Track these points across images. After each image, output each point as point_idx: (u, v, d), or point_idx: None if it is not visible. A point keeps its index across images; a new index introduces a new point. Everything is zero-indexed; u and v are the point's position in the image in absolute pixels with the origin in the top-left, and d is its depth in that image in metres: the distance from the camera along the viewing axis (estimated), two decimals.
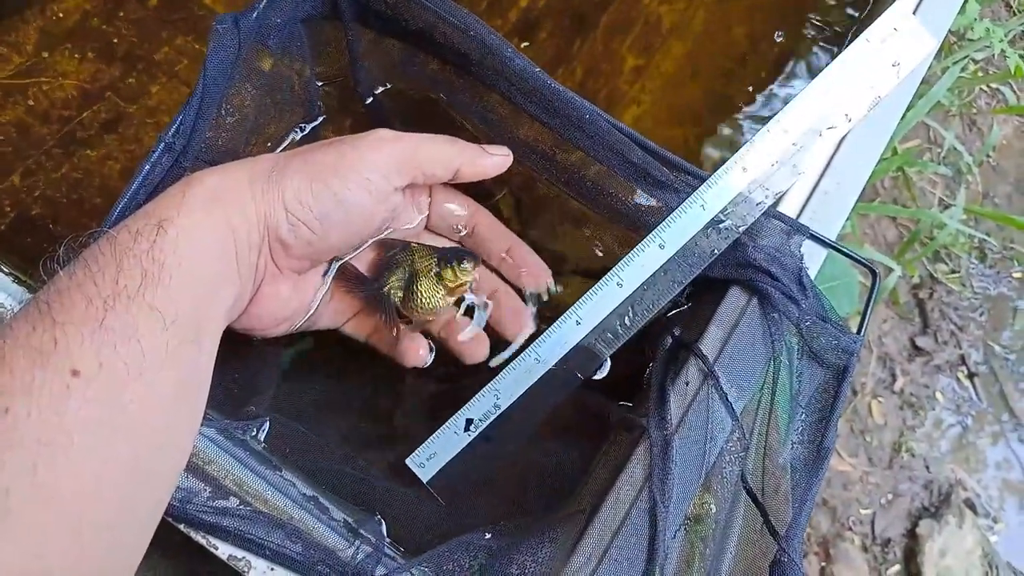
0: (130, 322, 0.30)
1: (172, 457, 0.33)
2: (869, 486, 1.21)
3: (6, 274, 0.42)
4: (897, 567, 1.16)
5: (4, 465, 0.26)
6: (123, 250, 0.32)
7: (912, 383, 1.27)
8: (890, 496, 1.21)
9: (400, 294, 0.44)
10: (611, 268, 0.44)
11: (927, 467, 1.24)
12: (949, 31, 1.21)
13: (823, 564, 1.14)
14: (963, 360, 1.30)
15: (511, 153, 0.45)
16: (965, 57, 1.09)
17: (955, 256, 1.32)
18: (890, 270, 1.13)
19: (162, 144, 0.38)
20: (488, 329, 0.47)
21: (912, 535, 1.18)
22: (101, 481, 0.29)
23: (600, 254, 0.51)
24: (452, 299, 0.44)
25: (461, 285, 0.44)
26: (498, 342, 0.47)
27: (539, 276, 0.47)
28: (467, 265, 0.43)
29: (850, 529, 1.18)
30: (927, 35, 0.45)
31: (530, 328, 0.47)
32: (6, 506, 0.26)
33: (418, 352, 0.45)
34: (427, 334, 0.47)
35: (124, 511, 0.30)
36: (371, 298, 0.44)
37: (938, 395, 1.28)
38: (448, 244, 0.48)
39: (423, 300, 0.44)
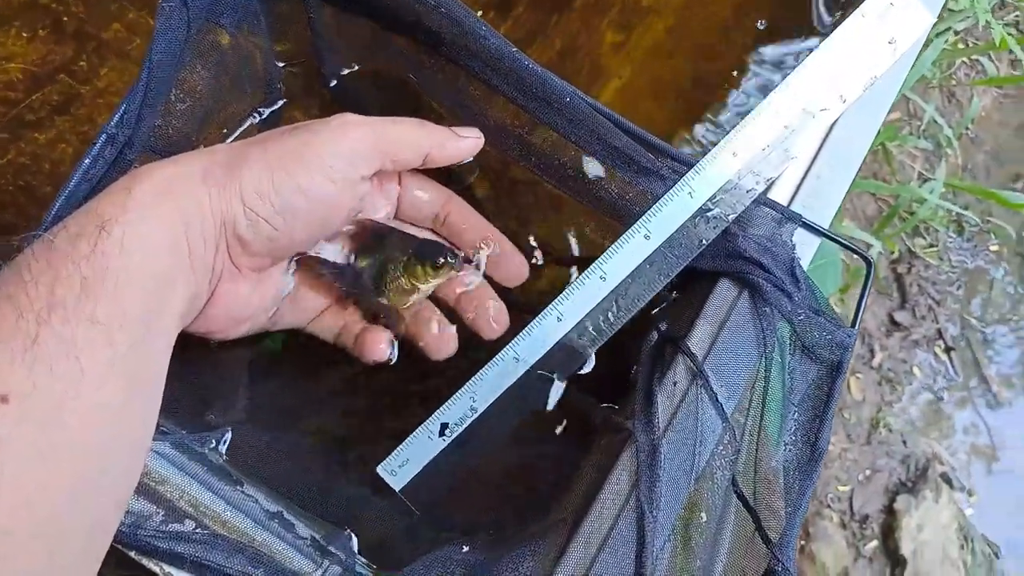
0: (67, 337, 0.28)
1: (120, 476, 0.30)
2: (847, 463, 1.21)
3: None
4: (875, 543, 1.17)
5: None
6: (60, 255, 0.29)
7: (890, 358, 1.27)
8: (868, 472, 1.21)
9: (371, 282, 0.41)
10: (592, 258, 0.41)
11: (904, 442, 1.24)
12: None
13: (802, 542, 1.14)
14: (940, 334, 1.30)
15: (483, 136, 0.42)
16: (948, 28, 1.07)
17: (933, 230, 1.31)
18: (869, 246, 1.12)
19: (104, 135, 0.35)
20: (461, 327, 0.44)
21: (890, 511, 1.19)
22: (33, 511, 0.26)
23: (579, 243, 0.49)
24: (420, 296, 0.42)
25: (431, 283, 0.41)
26: (469, 339, 0.44)
27: (516, 269, 0.44)
28: (441, 265, 0.40)
29: (829, 507, 1.18)
30: (924, 10, 0.43)
31: (504, 330, 0.44)
32: None
33: (379, 346, 0.42)
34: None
35: (62, 542, 0.27)
36: (342, 283, 0.41)
37: (915, 370, 1.28)
38: (426, 234, 0.45)
39: (393, 289, 0.41)
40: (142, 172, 0.33)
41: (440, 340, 0.43)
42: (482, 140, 0.42)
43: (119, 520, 0.31)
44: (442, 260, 0.40)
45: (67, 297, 0.28)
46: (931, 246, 1.31)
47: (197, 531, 0.33)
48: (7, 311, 0.27)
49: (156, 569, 0.33)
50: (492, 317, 0.44)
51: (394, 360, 0.43)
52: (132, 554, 0.33)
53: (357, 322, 0.43)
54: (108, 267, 0.30)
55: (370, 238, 0.41)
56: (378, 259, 0.41)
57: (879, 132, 1.02)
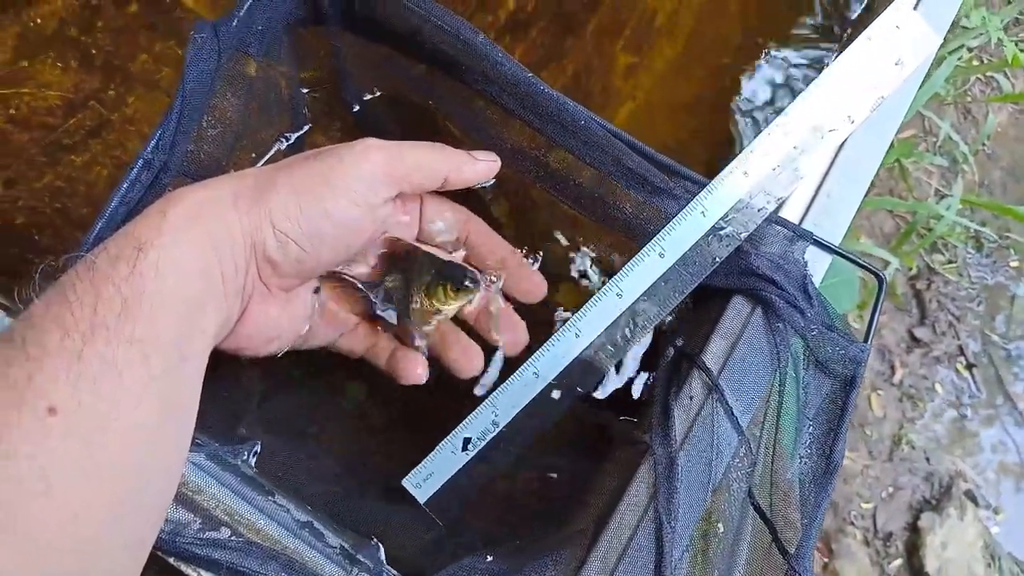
0: (110, 355, 0.29)
1: (158, 491, 0.32)
2: (869, 480, 1.20)
3: None
4: (899, 561, 1.16)
5: None
6: (102, 276, 0.31)
7: (911, 375, 1.27)
8: (891, 489, 1.20)
9: (399, 300, 0.42)
10: (607, 276, 0.42)
11: (927, 459, 1.23)
12: None
13: (825, 560, 1.14)
14: (961, 351, 1.29)
15: (499, 159, 0.43)
16: (961, 46, 1.08)
17: (952, 246, 1.31)
18: (887, 263, 1.12)
19: (141, 161, 0.37)
20: (482, 341, 0.45)
21: (914, 528, 1.18)
22: (80, 524, 0.27)
23: (597, 261, 0.50)
24: (442, 317, 0.43)
25: (455, 306, 0.42)
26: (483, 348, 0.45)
27: (535, 288, 0.46)
28: (462, 288, 0.41)
29: (852, 524, 1.17)
30: (931, 32, 0.44)
31: (525, 342, 0.45)
32: None
33: (416, 371, 0.43)
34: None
35: (105, 552, 0.29)
36: (372, 302, 0.43)
37: (937, 386, 1.27)
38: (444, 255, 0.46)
39: (414, 314, 0.42)
40: (175, 196, 0.35)
41: (466, 359, 0.44)
42: (498, 163, 0.43)
43: (155, 537, 0.32)
44: (463, 283, 0.41)
45: (108, 317, 0.30)
46: (950, 262, 1.31)
47: (232, 539, 0.35)
48: (53, 329, 0.29)
49: (194, 575, 0.34)
50: (515, 336, 0.45)
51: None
52: (171, 560, 0.34)
53: (388, 341, 0.44)
54: (145, 289, 0.31)
55: (398, 258, 0.43)
56: (404, 280, 0.42)
57: (894, 149, 1.03)
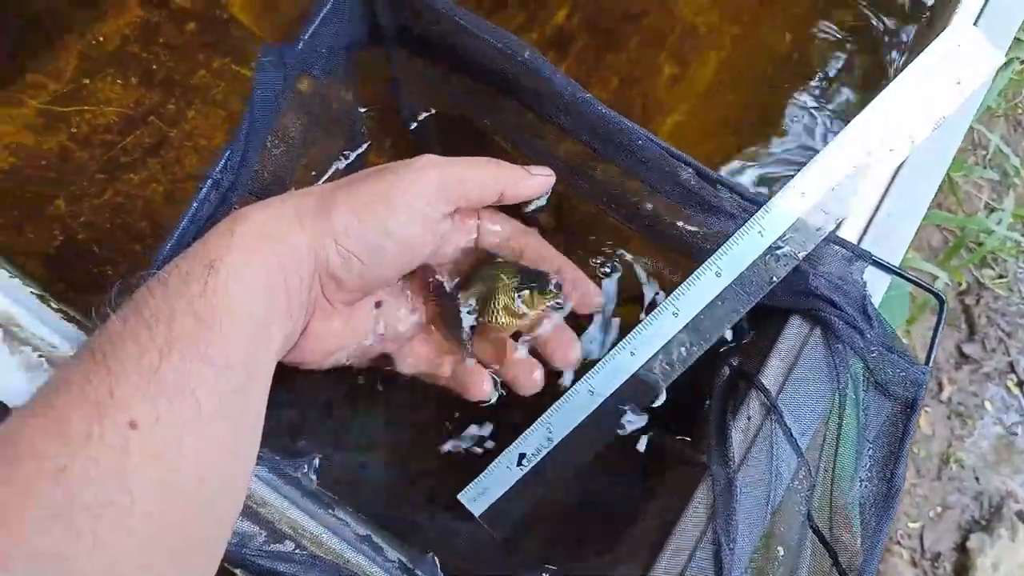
0: (184, 372, 0.30)
1: (228, 505, 0.32)
2: (917, 498, 1.18)
3: (54, 310, 0.42)
4: None
5: (64, 534, 0.25)
6: (174, 294, 0.32)
7: (960, 392, 1.24)
8: (939, 508, 1.18)
9: (478, 307, 0.43)
10: (657, 293, 0.43)
11: (976, 478, 1.20)
12: None
13: None
14: (1012, 367, 1.26)
15: (553, 174, 0.44)
16: (1013, 59, 1.06)
17: (1002, 260, 1.28)
18: (935, 277, 1.10)
19: (209, 181, 0.38)
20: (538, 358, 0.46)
21: (963, 549, 1.15)
22: (158, 537, 0.28)
23: (647, 278, 0.50)
24: (524, 322, 0.43)
25: (537, 311, 0.43)
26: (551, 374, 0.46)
27: (591, 298, 0.46)
28: (549, 292, 0.42)
29: (899, 543, 1.15)
30: (992, 49, 0.43)
31: (579, 357, 0.45)
32: (65, 571, 0.25)
33: (483, 386, 0.43)
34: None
35: (181, 565, 0.29)
36: (445, 307, 0.43)
37: (987, 404, 1.24)
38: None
39: (497, 317, 0.43)
40: (242, 215, 0.36)
41: (527, 376, 0.44)
42: (553, 178, 0.44)
43: (224, 549, 0.33)
44: (551, 287, 0.42)
45: (183, 335, 0.31)
46: (1000, 277, 1.28)
47: (296, 551, 0.35)
48: (131, 346, 0.30)
49: None
50: (568, 350, 0.45)
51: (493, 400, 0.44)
52: (238, 572, 0.35)
53: (445, 359, 0.44)
54: (216, 306, 0.32)
55: (474, 264, 0.43)
56: (485, 286, 0.43)
57: None
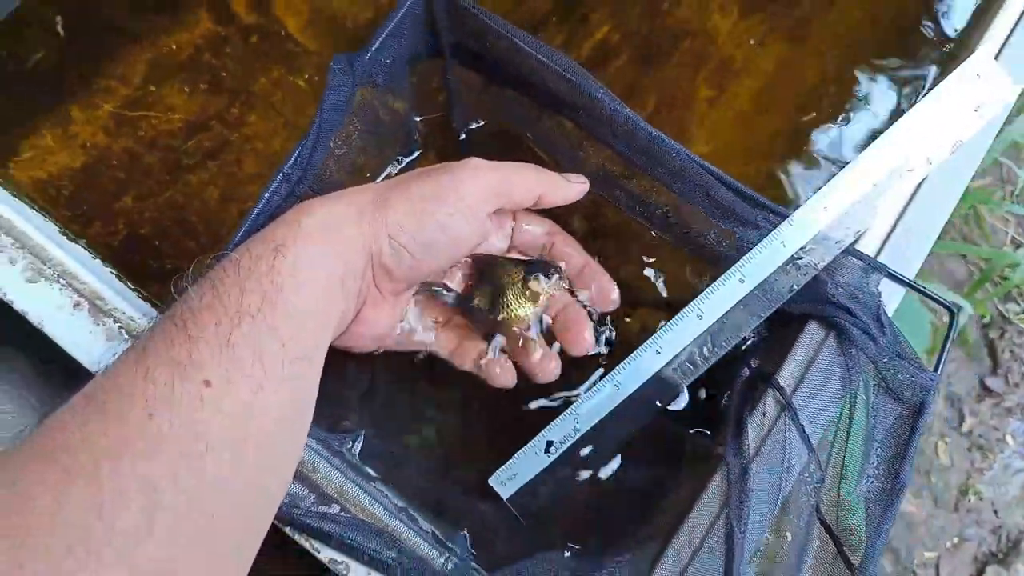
0: (253, 340, 0.33)
1: (284, 469, 0.36)
2: (934, 529, 1.18)
3: (131, 289, 0.46)
4: None
5: (152, 470, 0.29)
6: (245, 273, 0.35)
7: (981, 424, 1.25)
8: (956, 540, 1.18)
9: (489, 307, 0.46)
10: (681, 298, 0.45)
11: (995, 512, 1.20)
12: None
13: None
14: None
15: (587, 181, 0.47)
16: None
17: None
18: (960, 307, 1.11)
19: (280, 174, 0.42)
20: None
21: None
22: (228, 485, 0.31)
23: (670, 284, 0.53)
24: (539, 309, 0.46)
25: (546, 295, 0.46)
26: (569, 368, 0.48)
27: (608, 295, 0.49)
28: (553, 277, 0.45)
29: (914, 573, 1.15)
30: (1010, 81, 0.46)
31: (593, 348, 0.48)
32: (152, 509, 0.28)
33: (507, 376, 0.47)
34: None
35: (244, 512, 0.33)
36: (463, 311, 0.47)
37: (1008, 438, 1.25)
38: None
39: (510, 310, 0.46)
40: (306, 207, 0.39)
41: (544, 364, 0.47)
42: (587, 186, 0.47)
43: (276, 506, 0.36)
44: (553, 273, 0.45)
45: (252, 307, 0.34)
46: None
47: (342, 514, 0.39)
48: (207, 317, 0.33)
49: (306, 545, 0.38)
50: (580, 337, 0.48)
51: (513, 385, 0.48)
52: (287, 530, 0.38)
53: (475, 345, 0.48)
54: (283, 286, 0.35)
55: (482, 268, 0.47)
56: (493, 285, 0.46)
57: (970, 195, 1.02)
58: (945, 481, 1.21)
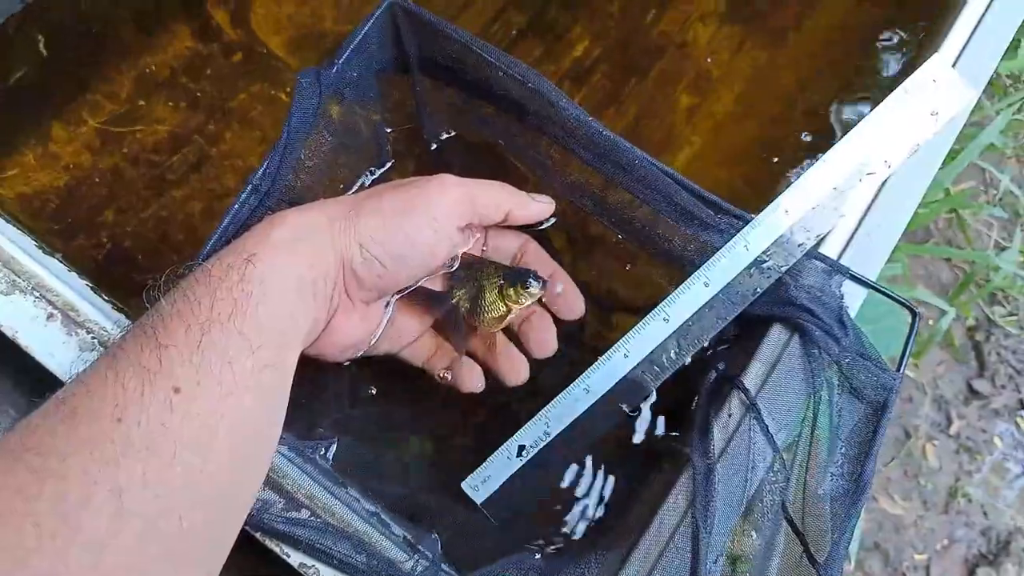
0: (223, 347, 0.34)
1: (255, 470, 0.36)
2: (923, 531, 1.19)
3: (106, 300, 0.47)
4: None
5: (119, 470, 0.30)
6: (216, 282, 0.36)
7: (968, 427, 1.25)
8: (946, 542, 1.19)
9: (467, 306, 0.47)
10: (650, 303, 0.46)
11: (984, 513, 1.21)
12: (1004, 75, 1.21)
13: None
14: (1022, 404, 1.27)
15: (553, 202, 0.48)
16: (1021, 100, 1.09)
17: (1013, 299, 1.30)
18: (943, 312, 1.12)
19: (250, 186, 0.43)
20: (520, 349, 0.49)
21: None
22: (196, 488, 0.32)
23: (647, 291, 0.53)
24: (512, 316, 0.47)
25: (528, 301, 0.46)
26: (540, 366, 0.49)
27: (574, 304, 0.49)
28: (532, 288, 0.46)
29: (904, 575, 1.16)
30: (965, 86, 0.47)
31: (553, 350, 0.49)
32: (119, 508, 0.29)
33: (475, 382, 0.48)
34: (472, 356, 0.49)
35: (213, 517, 0.33)
36: (441, 312, 0.47)
37: (996, 440, 1.25)
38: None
39: (488, 313, 0.46)
40: (278, 218, 0.40)
41: (513, 368, 0.48)
42: (553, 206, 0.49)
43: (247, 513, 0.37)
44: (532, 282, 0.46)
45: (223, 314, 0.35)
46: (1011, 315, 1.30)
47: (311, 519, 0.39)
48: (177, 324, 0.34)
49: (276, 549, 0.39)
50: (544, 339, 0.48)
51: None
52: (257, 535, 0.39)
53: (448, 352, 0.48)
54: (252, 294, 0.36)
55: (463, 269, 0.47)
56: (472, 287, 0.47)
57: (952, 198, 1.03)
58: (934, 483, 1.22)
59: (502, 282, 0.46)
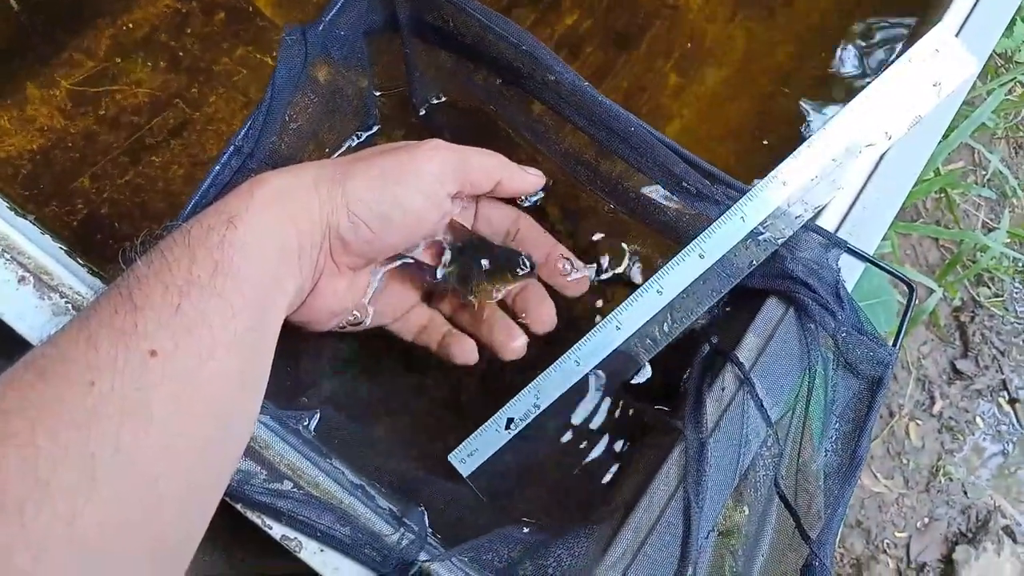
0: (202, 309, 0.33)
1: (236, 438, 0.35)
2: (905, 509, 1.19)
3: (81, 264, 0.45)
4: None
5: (91, 434, 0.28)
6: (197, 242, 0.35)
7: (951, 407, 1.26)
8: (926, 520, 1.19)
9: (459, 282, 0.45)
10: (644, 274, 0.45)
11: (965, 492, 1.22)
12: (997, 54, 1.20)
13: None
14: (1004, 385, 1.28)
15: (544, 176, 0.47)
16: (1012, 80, 1.08)
17: (998, 280, 1.31)
18: (931, 291, 1.12)
19: (232, 147, 0.41)
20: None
21: (948, 561, 1.17)
22: (174, 454, 0.31)
23: (641, 263, 0.52)
24: (500, 296, 0.46)
25: (518, 282, 0.46)
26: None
27: (575, 280, 0.49)
28: (520, 271, 0.45)
29: (885, 552, 1.17)
30: (969, 57, 0.46)
31: (552, 324, 0.48)
32: (92, 472, 0.28)
33: (469, 353, 0.47)
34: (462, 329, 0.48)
35: (192, 484, 0.32)
36: (433, 284, 0.46)
37: (978, 420, 1.26)
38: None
39: (480, 290, 0.45)
40: (261, 179, 0.39)
41: (510, 339, 0.47)
42: (543, 180, 0.48)
43: (230, 477, 0.36)
44: (521, 269, 0.45)
45: (203, 276, 0.33)
46: (996, 296, 1.30)
47: (294, 490, 0.38)
48: (155, 285, 0.33)
49: (257, 521, 0.38)
50: (542, 313, 0.48)
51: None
52: (239, 507, 0.38)
53: (440, 325, 0.47)
54: (233, 256, 0.35)
55: (459, 242, 0.46)
56: (464, 265, 0.45)
57: (941, 178, 1.03)
58: (916, 462, 1.23)
59: (491, 265, 0.45)
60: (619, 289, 0.52)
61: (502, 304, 0.48)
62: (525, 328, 0.47)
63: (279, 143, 0.45)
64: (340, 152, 0.51)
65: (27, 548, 0.26)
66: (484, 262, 0.45)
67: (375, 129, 0.52)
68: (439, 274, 0.45)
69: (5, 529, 0.26)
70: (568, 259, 0.48)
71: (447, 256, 0.45)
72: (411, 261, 0.45)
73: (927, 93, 0.46)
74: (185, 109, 0.60)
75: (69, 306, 0.41)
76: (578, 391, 0.46)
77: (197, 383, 0.32)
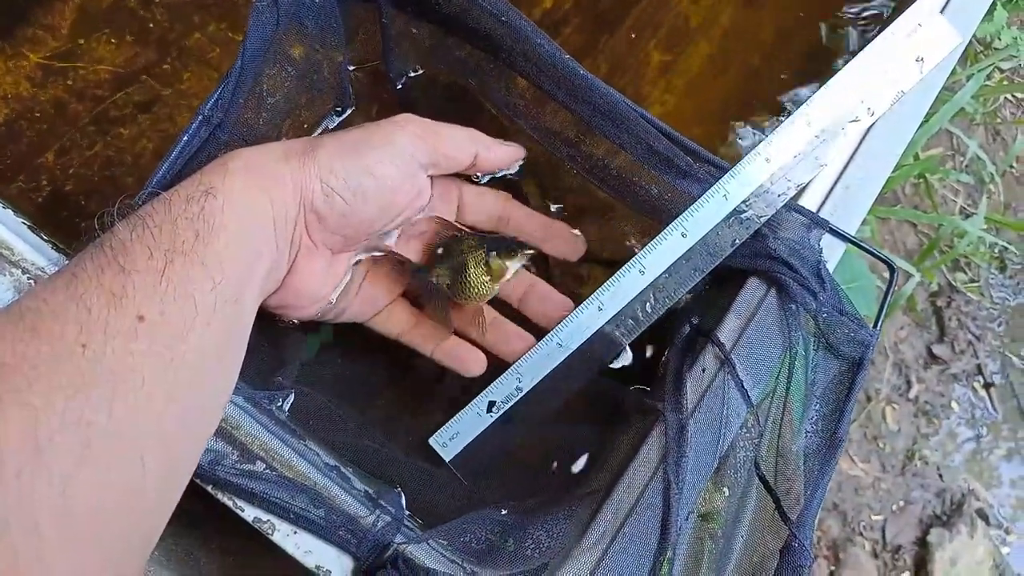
0: (185, 277, 0.32)
1: (214, 408, 0.35)
2: (881, 492, 1.21)
3: (44, 240, 0.43)
4: (907, 574, 1.16)
5: (88, 398, 0.28)
6: (178, 211, 0.34)
7: (927, 391, 1.27)
8: (902, 503, 1.21)
9: (448, 282, 0.44)
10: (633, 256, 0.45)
11: (940, 475, 1.23)
12: (976, 39, 1.21)
13: (832, 568, 1.14)
14: (980, 370, 1.29)
15: (523, 149, 0.47)
16: (991, 65, 1.08)
17: (975, 265, 1.32)
18: (909, 276, 1.13)
19: (200, 116, 0.40)
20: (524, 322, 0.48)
21: (923, 543, 1.18)
22: (163, 420, 0.30)
23: (624, 243, 0.52)
24: (497, 287, 0.45)
25: (511, 273, 0.45)
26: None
27: (574, 245, 0.49)
28: (517, 256, 0.44)
29: (860, 534, 1.18)
30: (952, 31, 0.46)
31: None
32: (87, 437, 0.27)
33: (478, 364, 0.46)
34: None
35: (178, 449, 0.32)
36: (420, 286, 0.45)
37: (953, 404, 1.28)
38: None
39: (471, 288, 0.44)
40: (236, 152, 0.38)
41: (514, 342, 0.47)
42: (523, 152, 0.47)
43: (200, 454, 0.35)
44: (516, 250, 0.44)
45: (185, 244, 0.33)
46: (972, 281, 1.31)
47: (266, 471, 0.37)
48: (139, 249, 0.32)
49: (229, 503, 0.37)
50: (551, 310, 0.47)
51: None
52: (210, 488, 0.37)
53: (427, 327, 0.47)
54: (213, 225, 0.34)
55: (442, 243, 0.45)
56: (453, 261, 0.44)
57: (920, 163, 1.03)
58: (892, 446, 1.24)
59: (485, 253, 0.44)
60: (598, 270, 0.52)
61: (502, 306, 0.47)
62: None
63: (255, 120, 0.44)
64: (319, 131, 0.50)
65: (20, 520, 0.25)
66: (477, 256, 0.44)
67: (351, 111, 0.51)
68: (425, 274, 0.44)
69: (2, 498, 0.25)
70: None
71: (432, 260, 0.44)
72: (385, 253, 0.44)
73: (910, 68, 0.45)
74: (154, 84, 0.58)
75: (32, 282, 0.40)
76: (559, 373, 0.45)
77: (182, 352, 0.31)
